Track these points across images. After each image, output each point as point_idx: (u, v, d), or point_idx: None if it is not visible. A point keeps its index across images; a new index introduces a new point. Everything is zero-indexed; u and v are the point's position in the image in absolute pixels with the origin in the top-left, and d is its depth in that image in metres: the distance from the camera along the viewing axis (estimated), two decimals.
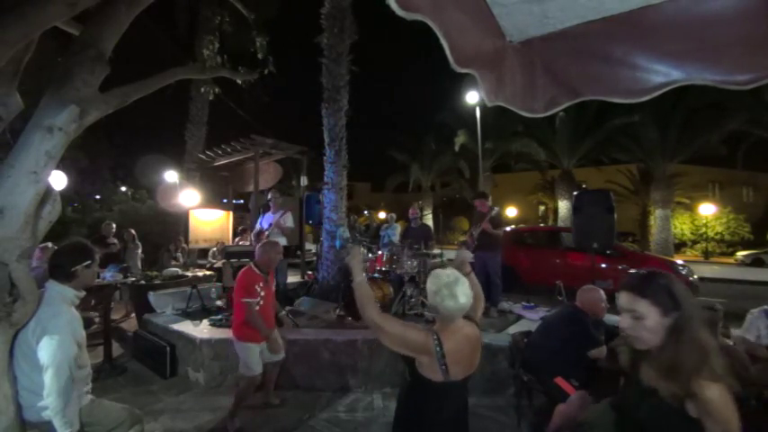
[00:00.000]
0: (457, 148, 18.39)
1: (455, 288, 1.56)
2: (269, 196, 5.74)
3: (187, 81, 10.79)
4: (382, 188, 27.22)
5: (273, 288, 3.24)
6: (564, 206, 16.62)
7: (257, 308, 2.93)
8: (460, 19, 1.21)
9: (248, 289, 2.91)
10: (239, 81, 4.73)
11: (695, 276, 7.15)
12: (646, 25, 1.31)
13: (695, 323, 1.14)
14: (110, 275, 4.47)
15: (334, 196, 6.37)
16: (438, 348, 1.50)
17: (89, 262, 1.94)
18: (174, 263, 7.99)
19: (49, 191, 1.86)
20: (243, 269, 3.08)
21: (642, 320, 1.16)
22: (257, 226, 5.71)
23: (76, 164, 13.10)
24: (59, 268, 1.88)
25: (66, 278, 1.88)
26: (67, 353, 1.74)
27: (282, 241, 5.66)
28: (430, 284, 1.62)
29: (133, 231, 7.53)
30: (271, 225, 5.49)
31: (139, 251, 7.51)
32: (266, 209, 5.90)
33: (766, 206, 20.86)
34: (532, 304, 5.32)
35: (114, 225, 7.20)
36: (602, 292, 2.85)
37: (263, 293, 2.97)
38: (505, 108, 1.60)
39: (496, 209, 5.31)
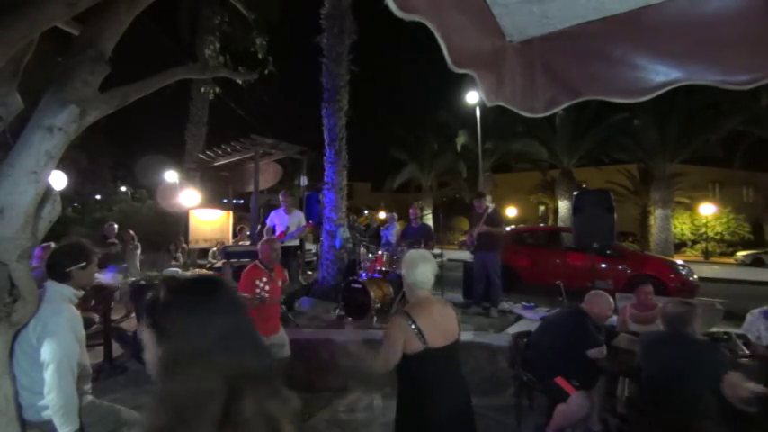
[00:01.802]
0: (459, 149, 18.40)
1: (423, 260, 1.83)
2: (281, 198, 5.79)
3: (187, 81, 10.80)
4: (382, 188, 27.19)
5: (281, 284, 3.35)
6: (564, 206, 16.61)
7: (259, 303, 3.08)
8: (460, 19, 1.21)
9: (246, 284, 3.09)
10: (239, 81, 4.72)
11: (695, 276, 7.15)
12: (646, 25, 1.31)
13: (189, 370, 0.64)
14: (109, 276, 4.47)
15: (334, 196, 6.37)
16: (410, 322, 1.69)
17: (84, 264, 1.93)
18: (174, 263, 8.00)
19: (49, 191, 1.86)
20: (249, 265, 3.26)
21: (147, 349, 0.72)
22: (267, 224, 5.74)
23: (76, 164, 13.09)
24: (54, 268, 1.89)
25: (62, 278, 1.88)
26: (68, 350, 1.74)
27: (296, 242, 5.79)
28: (404, 259, 1.89)
29: (132, 232, 7.53)
30: (287, 228, 5.56)
31: (138, 252, 7.50)
32: (270, 207, 5.96)
33: (766, 206, 20.85)
34: (532, 304, 5.32)
35: (116, 226, 7.19)
36: (611, 300, 2.85)
37: (267, 288, 3.12)
38: (506, 108, 1.60)
39: (492, 207, 5.32)
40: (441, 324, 1.76)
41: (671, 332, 2.25)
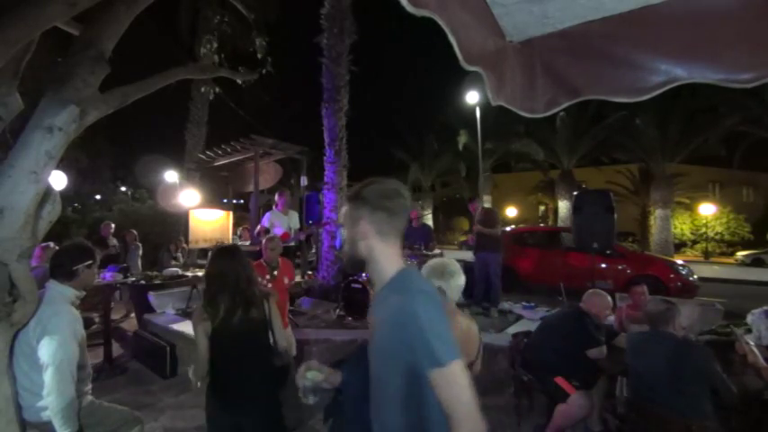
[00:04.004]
0: (460, 148, 18.43)
1: (457, 267, 1.74)
2: (280, 197, 5.72)
3: (187, 81, 10.78)
4: None
5: (287, 282, 3.39)
6: (564, 206, 16.61)
7: None
8: (464, 17, 1.21)
9: None
10: (239, 81, 4.72)
11: (695, 276, 7.15)
12: (646, 24, 1.31)
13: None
14: (109, 275, 4.47)
15: (334, 196, 6.38)
16: None
17: (90, 262, 1.96)
18: (173, 263, 7.98)
19: (49, 191, 1.86)
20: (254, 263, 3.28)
21: None
22: (262, 224, 5.70)
23: (76, 164, 13.09)
24: (60, 268, 1.89)
25: (67, 277, 1.88)
26: (68, 352, 1.74)
27: (291, 243, 5.75)
28: (434, 267, 1.77)
29: (135, 232, 7.55)
30: (290, 228, 5.51)
31: (140, 252, 7.52)
32: (270, 208, 5.90)
33: (766, 206, 20.84)
34: (532, 304, 5.32)
35: (113, 225, 7.19)
36: (609, 298, 2.86)
37: (269, 286, 3.18)
38: (506, 108, 1.60)
39: (479, 209, 5.37)
40: (459, 338, 1.67)
41: (654, 332, 2.27)
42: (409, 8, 0.91)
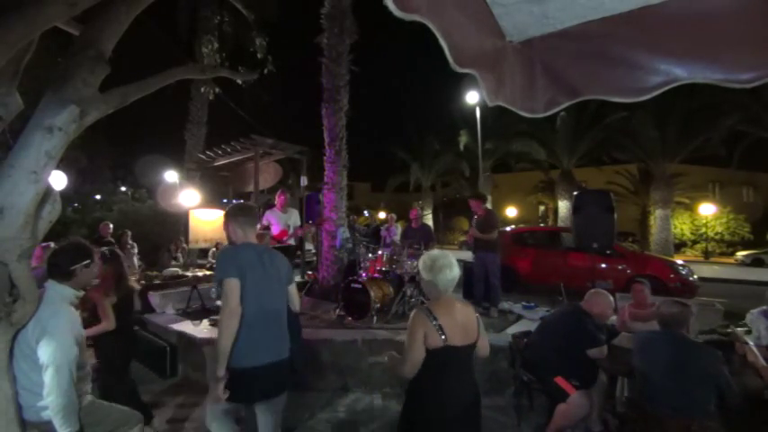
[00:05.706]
0: (461, 147, 18.47)
1: (448, 266, 1.78)
2: (279, 196, 5.71)
3: (187, 81, 10.78)
4: (382, 188, 27.19)
5: None
6: (564, 206, 16.63)
7: None
8: (460, 19, 1.20)
9: None
10: (239, 81, 4.72)
11: (695, 276, 7.15)
12: (646, 24, 1.31)
13: None
14: None
15: (334, 196, 6.37)
16: (431, 317, 1.70)
17: (88, 261, 1.95)
18: (173, 263, 7.99)
19: (49, 191, 1.86)
20: None
21: None
22: (262, 222, 5.70)
23: (76, 164, 13.09)
24: (58, 267, 1.88)
25: (65, 277, 1.88)
26: (68, 352, 1.74)
27: (291, 241, 5.73)
28: (425, 260, 1.82)
29: (129, 232, 7.59)
30: (289, 226, 5.49)
31: (135, 251, 7.56)
32: (270, 207, 5.89)
33: (766, 206, 20.85)
34: (532, 304, 5.32)
35: (111, 225, 7.21)
36: (611, 298, 2.84)
37: None
38: (506, 108, 1.60)
39: (478, 215, 5.33)
40: (461, 323, 1.75)
41: (665, 332, 2.26)
42: (397, 13, 0.89)
